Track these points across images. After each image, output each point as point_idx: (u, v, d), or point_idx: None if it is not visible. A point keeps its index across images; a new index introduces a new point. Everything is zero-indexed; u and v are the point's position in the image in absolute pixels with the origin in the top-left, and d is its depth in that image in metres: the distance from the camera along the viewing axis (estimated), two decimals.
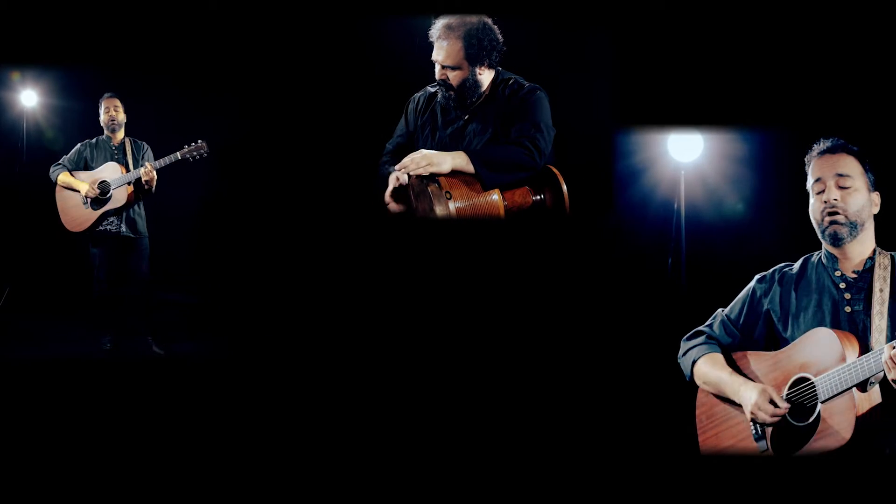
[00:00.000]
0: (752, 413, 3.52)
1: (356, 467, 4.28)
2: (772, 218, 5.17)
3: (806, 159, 3.69)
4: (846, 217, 3.51)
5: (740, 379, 3.62)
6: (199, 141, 5.85)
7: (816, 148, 3.66)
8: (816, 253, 3.71)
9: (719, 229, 5.30)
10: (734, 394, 3.61)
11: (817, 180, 3.58)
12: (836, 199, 3.51)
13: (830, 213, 3.52)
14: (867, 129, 4.38)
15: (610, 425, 4.57)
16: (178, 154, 5.90)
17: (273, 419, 4.45)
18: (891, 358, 3.21)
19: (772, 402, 3.49)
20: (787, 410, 3.47)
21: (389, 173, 4.28)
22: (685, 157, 5.24)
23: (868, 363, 3.30)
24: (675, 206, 5.30)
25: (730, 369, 3.67)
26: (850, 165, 3.57)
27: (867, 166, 3.59)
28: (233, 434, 4.43)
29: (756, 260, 4.84)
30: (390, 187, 4.25)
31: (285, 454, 4.33)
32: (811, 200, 3.62)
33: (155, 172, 5.96)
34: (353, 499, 4.19)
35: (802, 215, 3.77)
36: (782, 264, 3.79)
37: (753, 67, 4.77)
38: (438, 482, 4.25)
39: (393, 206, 4.28)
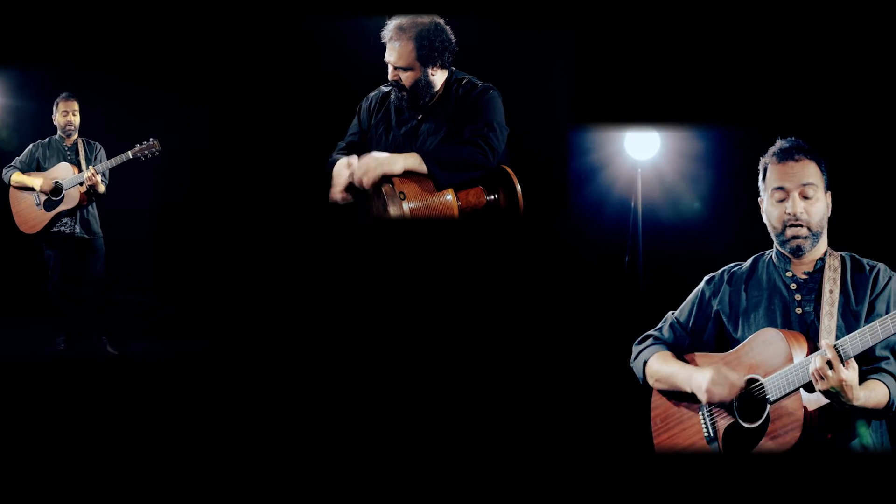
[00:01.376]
0: (707, 393, 3.51)
1: (314, 466, 4.29)
2: (728, 216, 5.21)
3: (763, 159, 3.65)
4: (809, 229, 3.51)
5: (692, 368, 3.63)
6: (151, 139, 5.86)
7: (776, 149, 3.61)
8: (768, 252, 3.72)
9: (676, 227, 5.35)
10: (686, 383, 3.61)
11: (779, 188, 3.53)
12: (801, 212, 3.50)
13: (794, 226, 3.51)
14: (821, 127, 4.42)
15: (566, 425, 4.58)
16: (130, 153, 5.91)
17: (228, 418, 4.45)
18: (816, 370, 3.23)
19: (728, 378, 3.49)
20: (742, 387, 3.47)
21: (336, 160, 4.29)
22: (642, 155, 5.30)
23: (811, 367, 3.30)
24: (632, 204, 5.35)
25: (680, 363, 3.68)
26: (813, 173, 3.53)
27: (823, 168, 3.56)
28: (187, 433, 4.43)
29: (713, 257, 4.85)
30: (339, 175, 4.25)
31: (239, 453, 4.34)
32: (767, 205, 3.60)
33: (99, 176, 5.97)
34: (316, 498, 4.22)
35: (759, 213, 3.77)
36: (731, 264, 3.79)
37: (710, 65, 4.79)
38: (397, 479, 4.26)
39: (337, 196, 4.28)
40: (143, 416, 4.58)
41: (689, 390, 3.61)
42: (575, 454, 4.36)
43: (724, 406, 3.52)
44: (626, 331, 4.53)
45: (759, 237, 3.84)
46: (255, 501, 4.22)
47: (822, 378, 3.21)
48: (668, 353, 3.75)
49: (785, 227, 3.52)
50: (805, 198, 3.50)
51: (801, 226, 3.49)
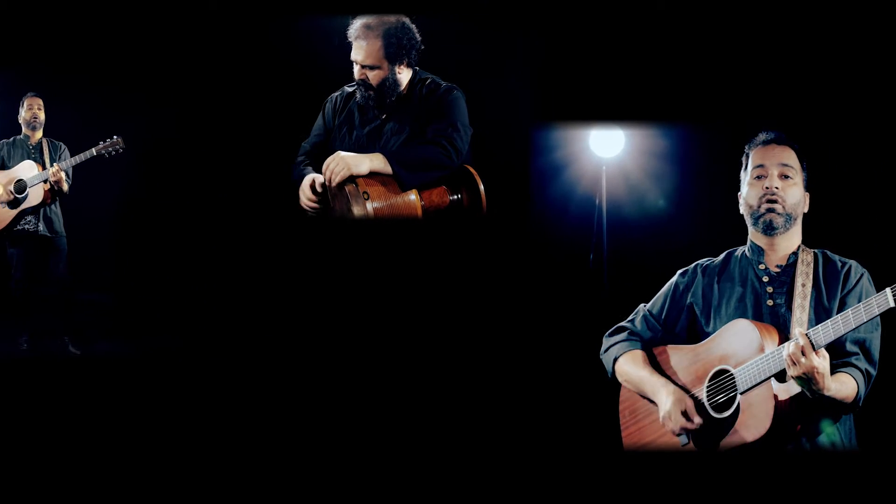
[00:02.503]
0: (662, 420, 3.58)
1: (279, 463, 4.30)
2: (692, 213, 5.25)
3: (746, 148, 3.71)
4: (783, 207, 3.56)
5: (661, 380, 3.66)
6: (115, 137, 5.87)
7: (760, 138, 3.69)
8: (740, 248, 3.76)
9: (641, 225, 5.38)
10: (653, 394, 3.66)
11: (759, 166, 3.61)
12: (777, 188, 3.56)
13: (770, 201, 3.56)
14: (790, 126, 4.53)
15: (533, 423, 4.60)
16: (94, 150, 5.93)
17: (189, 419, 4.46)
18: (790, 355, 3.28)
19: (685, 413, 3.54)
20: (698, 424, 3.51)
21: (305, 175, 4.35)
22: (607, 152, 5.31)
23: (785, 353, 3.33)
24: (597, 201, 5.37)
25: (650, 368, 3.72)
26: (793, 159, 3.61)
27: (804, 164, 3.64)
28: (150, 434, 4.44)
29: (677, 255, 4.86)
30: (307, 191, 4.31)
31: (201, 454, 4.34)
32: (746, 188, 3.66)
33: (63, 173, 6.00)
34: (263, 498, 4.24)
35: (723, 211, 3.88)
36: (703, 259, 3.83)
37: (674, 63, 4.82)
38: (365, 476, 4.29)
39: (308, 204, 4.33)
40: (105, 416, 4.59)
41: (654, 402, 3.67)
42: (543, 451, 4.41)
43: (694, 397, 3.56)
44: (591, 328, 4.58)
45: (723, 234, 3.92)
46: (221, 500, 4.26)
47: (794, 364, 3.26)
48: (638, 354, 3.78)
49: (761, 203, 3.58)
50: (783, 177, 3.58)
51: (776, 201, 3.56)
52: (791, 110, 4.71)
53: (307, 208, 4.34)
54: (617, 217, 5.40)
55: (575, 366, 4.84)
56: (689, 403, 3.55)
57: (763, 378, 3.39)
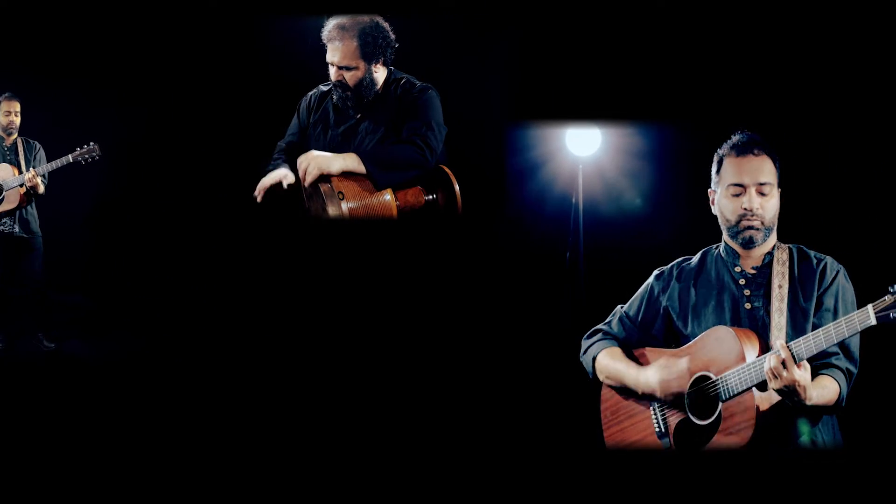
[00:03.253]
0: (661, 386, 3.58)
1: (245, 462, 4.31)
2: (669, 212, 5.27)
3: (719, 151, 3.66)
4: (763, 223, 3.54)
5: (641, 367, 3.68)
6: (91, 143, 5.88)
7: (734, 142, 3.63)
8: (716, 246, 3.75)
9: (617, 223, 5.40)
10: (635, 383, 3.67)
11: (736, 184, 3.56)
12: (757, 207, 3.54)
13: (749, 219, 3.54)
14: (763, 124, 4.55)
15: (511, 422, 4.62)
16: (70, 157, 5.94)
17: (164, 419, 4.46)
18: (771, 369, 3.27)
19: (678, 374, 3.55)
20: (694, 372, 3.52)
21: (277, 168, 4.38)
22: (583, 151, 5.32)
23: (766, 366, 3.32)
24: (574, 200, 5.38)
25: (628, 360, 3.73)
26: (769, 170, 3.57)
27: (778, 165, 3.60)
28: (124, 434, 4.45)
29: (654, 253, 4.89)
30: (267, 182, 4.34)
31: (176, 454, 4.36)
32: (721, 197, 3.62)
33: (39, 178, 6.02)
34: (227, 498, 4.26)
35: (700, 209, 3.82)
36: (680, 259, 3.83)
37: (651, 62, 4.84)
38: (327, 477, 4.30)
39: (259, 194, 4.36)
40: (78, 415, 4.59)
41: (639, 391, 3.67)
42: (522, 450, 4.43)
43: (676, 402, 3.58)
44: (568, 327, 4.63)
45: (700, 233, 3.91)
46: (189, 500, 4.28)
47: (776, 377, 3.26)
48: (616, 349, 3.80)
49: (740, 220, 3.56)
50: (761, 194, 3.54)
51: (755, 219, 3.54)
52: (766, 110, 4.74)
53: (259, 190, 4.37)
54: (593, 216, 5.42)
55: (553, 365, 4.88)
56: (674, 360, 3.58)
57: (745, 388, 3.40)
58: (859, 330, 3.22)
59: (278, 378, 4.51)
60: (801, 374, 3.26)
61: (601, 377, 3.83)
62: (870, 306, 3.19)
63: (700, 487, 3.66)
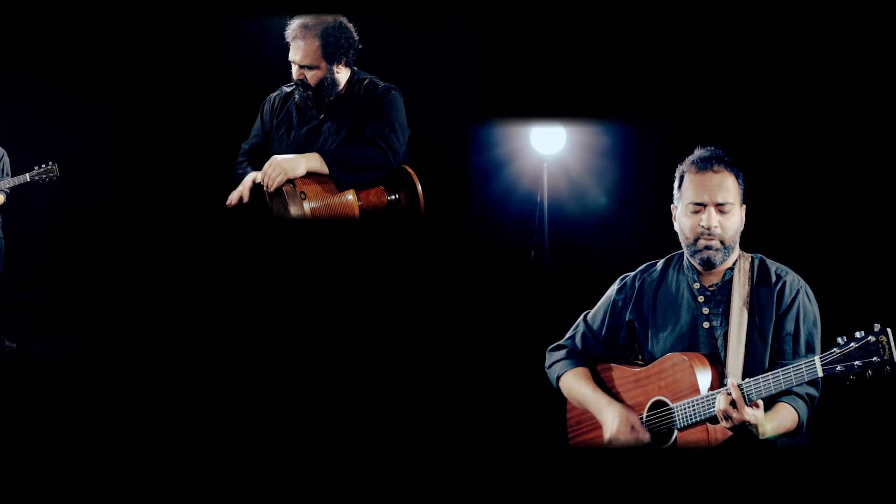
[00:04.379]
0: (608, 440, 3.59)
1: (204, 463, 4.32)
2: (634, 210, 5.32)
3: (681, 167, 3.63)
4: (722, 243, 3.51)
5: (605, 398, 3.68)
6: (50, 163, 5.89)
7: (694, 158, 3.60)
8: (679, 255, 3.74)
9: (582, 222, 5.43)
10: (598, 413, 3.67)
11: (696, 202, 3.53)
12: (716, 226, 3.51)
13: (707, 238, 3.51)
14: (727, 122, 4.59)
15: (476, 422, 4.64)
16: (28, 176, 5.96)
17: (122, 419, 4.48)
18: (720, 411, 3.29)
19: (633, 429, 3.57)
20: (647, 440, 3.55)
21: (245, 174, 4.41)
22: (548, 149, 5.35)
23: (717, 407, 3.35)
24: (539, 198, 5.42)
25: (593, 385, 3.74)
26: (729, 187, 3.52)
27: (741, 181, 3.57)
28: (88, 432, 4.46)
29: (619, 251, 5.01)
30: (244, 192, 4.36)
31: (140, 451, 4.37)
32: (682, 215, 3.59)
33: (2, 196, 6.05)
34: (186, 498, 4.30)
35: (665, 208, 3.83)
36: (644, 266, 3.82)
37: (616, 60, 4.85)
38: (292, 481, 4.31)
39: (232, 202, 4.38)
40: (41, 414, 4.59)
41: (599, 420, 3.68)
42: (486, 450, 4.45)
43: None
44: (533, 326, 4.64)
45: (665, 231, 3.90)
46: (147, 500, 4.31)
47: (727, 418, 3.28)
48: (581, 371, 3.80)
49: (698, 238, 3.53)
50: (721, 213, 3.51)
51: (713, 238, 3.51)
52: (729, 109, 4.75)
53: (232, 197, 4.39)
54: (558, 214, 5.45)
55: (517, 365, 4.88)
56: (635, 421, 3.59)
57: (697, 420, 3.44)
58: (806, 380, 3.24)
59: (241, 377, 4.51)
60: (752, 412, 3.28)
61: (565, 394, 3.85)
62: (817, 358, 3.21)
63: (666, 484, 3.67)
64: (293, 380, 4.53)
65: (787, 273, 3.58)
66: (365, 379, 4.57)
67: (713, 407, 3.37)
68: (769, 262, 3.62)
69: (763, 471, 3.53)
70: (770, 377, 3.28)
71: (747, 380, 3.33)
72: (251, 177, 4.36)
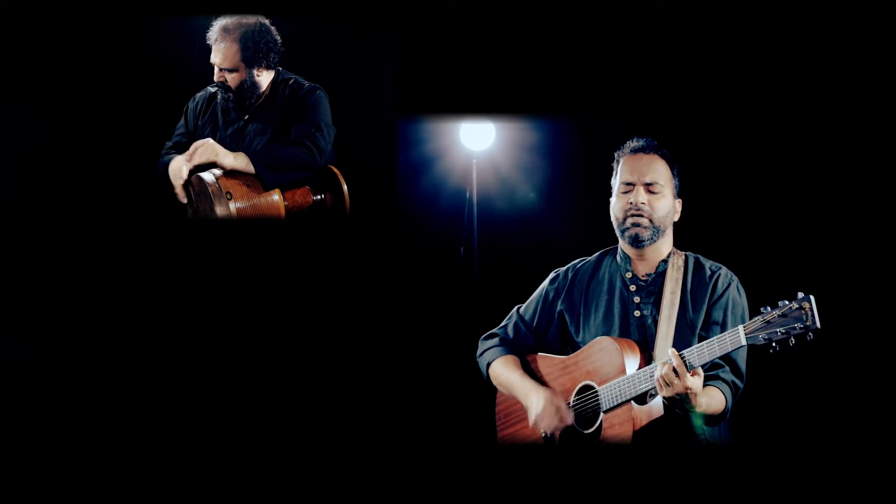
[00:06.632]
0: (534, 422, 3.70)
1: (136, 468, 4.37)
2: (564, 206, 5.41)
3: (616, 155, 3.79)
4: (650, 220, 3.65)
5: (531, 383, 3.78)
6: None
7: (629, 145, 3.77)
8: (613, 249, 3.86)
9: (512, 218, 5.51)
10: (524, 398, 3.77)
11: (626, 182, 3.69)
12: (643, 203, 3.64)
13: (635, 215, 3.65)
14: (662, 120, 4.65)
15: (405, 421, 4.69)
16: None
17: (68, 419, 4.49)
18: (662, 377, 3.35)
19: (558, 410, 3.67)
20: (571, 422, 3.64)
21: (171, 159, 4.43)
22: (477, 145, 5.41)
23: (644, 376, 3.47)
24: (468, 194, 5.47)
25: (521, 372, 3.85)
26: (661, 171, 3.69)
27: (675, 171, 3.74)
28: (32, 435, 4.48)
29: (548, 248, 5.07)
30: (175, 173, 4.38)
31: (82, 454, 4.41)
32: (614, 199, 3.75)
33: None
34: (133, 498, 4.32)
35: (594, 204, 4.00)
36: (577, 260, 3.95)
37: (546, 56, 4.87)
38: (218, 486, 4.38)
39: (178, 187, 4.41)
40: None
41: (524, 406, 3.79)
42: (415, 449, 4.52)
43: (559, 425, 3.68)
44: (463, 322, 4.72)
45: (595, 228, 4.08)
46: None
47: (667, 384, 3.34)
48: (510, 359, 3.92)
49: (626, 216, 3.68)
50: (650, 192, 3.66)
51: (641, 216, 3.65)
52: (665, 105, 4.81)
53: (177, 193, 4.41)
54: (488, 210, 5.50)
55: (447, 362, 5.02)
56: (561, 403, 3.69)
57: (623, 400, 3.52)
58: (730, 350, 3.35)
59: (164, 379, 4.49)
60: (694, 381, 3.35)
61: (494, 383, 3.97)
62: (740, 327, 3.31)
63: (587, 485, 3.73)
64: (221, 381, 4.55)
65: (720, 267, 3.72)
66: (295, 379, 4.60)
67: (642, 384, 3.46)
68: (703, 258, 3.76)
69: (685, 469, 3.65)
70: (715, 342, 3.34)
71: (689, 349, 3.40)
72: (177, 160, 4.38)
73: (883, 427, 4.39)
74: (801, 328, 3.22)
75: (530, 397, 3.75)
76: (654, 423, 3.50)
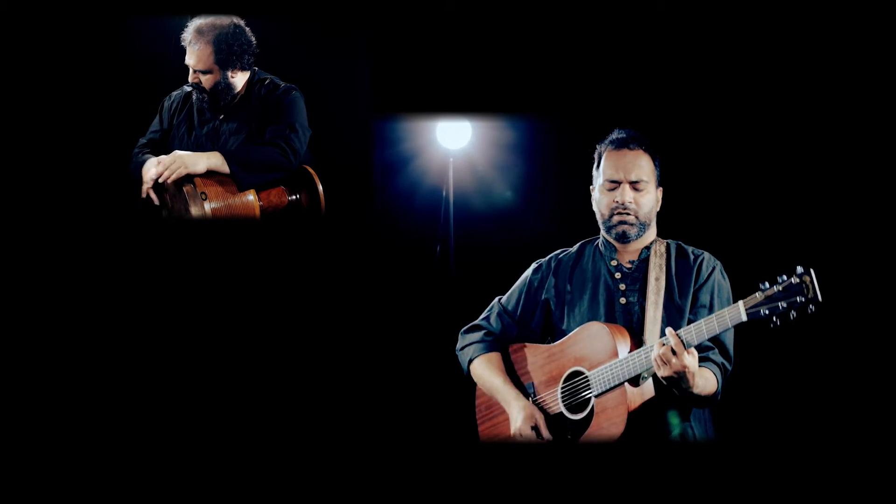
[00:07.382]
0: (513, 435, 3.70)
1: (94, 469, 4.39)
2: (540, 204, 5.45)
3: (599, 146, 3.82)
4: (637, 218, 3.70)
5: (513, 391, 3.78)
6: None
7: (612, 137, 3.79)
8: (594, 239, 3.89)
9: (488, 216, 5.55)
10: (505, 405, 3.78)
11: (611, 179, 3.72)
12: (629, 202, 3.69)
13: (621, 213, 3.70)
14: (640, 119, 4.51)
15: (384, 420, 4.69)
16: None
17: (27, 419, 4.50)
18: (660, 356, 3.38)
19: (535, 429, 3.67)
20: (549, 438, 3.65)
21: (146, 161, 4.43)
22: (454, 144, 5.45)
23: (639, 358, 3.49)
24: (444, 193, 5.52)
25: (504, 375, 3.84)
26: (645, 166, 3.72)
27: (657, 163, 3.77)
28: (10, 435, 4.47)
29: (525, 246, 4.99)
30: (147, 173, 4.38)
31: (41, 455, 4.42)
32: (598, 193, 3.79)
33: None
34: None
35: (572, 202, 4.07)
36: (558, 251, 3.96)
37: (521, 55, 4.89)
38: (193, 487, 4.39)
39: (146, 188, 4.41)
40: None
41: (506, 411, 3.79)
42: (396, 447, 4.51)
43: (544, 407, 3.72)
44: (440, 321, 4.71)
45: (572, 225, 4.12)
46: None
47: (665, 363, 3.37)
48: (493, 357, 3.92)
49: (612, 214, 3.72)
50: (636, 190, 3.70)
51: (628, 213, 3.70)
52: (643, 104, 4.83)
53: (146, 195, 4.42)
54: (464, 209, 5.54)
55: (425, 360, 5.06)
56: (540, 418, 3.70)
57: (617, 382, 3.54)
58: (730, 326, 3.38)
59: (140, 379, 4.51)
60: (691, 360, 3.38)
61: (475, 380, 3.97)
62: (740, 303, 3.34)
63: (573, 483, 3.76)
64: (198, 382, 4.56)
65: (703, 253, 3.78)
66: (272, 379, 4.61)
67: (633, 368, 3.50)
68: (685, 245, 3.82)
69: (671, 467, 3.70)
70: (693, 327, 3.40)
71: (685, 328, 3.44)
72: (152, 172, 4.37)
73: (868, 422, 4.45)
74: (802, 301, 3.25)
75: (511, 407, 3.77)
76: (647, 405, 3.55)
